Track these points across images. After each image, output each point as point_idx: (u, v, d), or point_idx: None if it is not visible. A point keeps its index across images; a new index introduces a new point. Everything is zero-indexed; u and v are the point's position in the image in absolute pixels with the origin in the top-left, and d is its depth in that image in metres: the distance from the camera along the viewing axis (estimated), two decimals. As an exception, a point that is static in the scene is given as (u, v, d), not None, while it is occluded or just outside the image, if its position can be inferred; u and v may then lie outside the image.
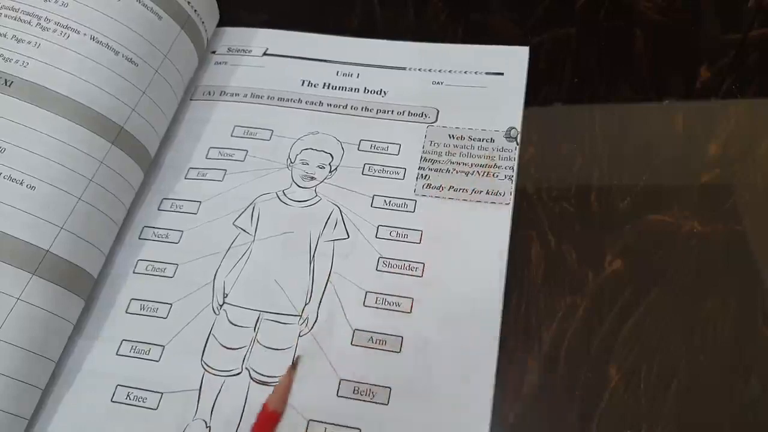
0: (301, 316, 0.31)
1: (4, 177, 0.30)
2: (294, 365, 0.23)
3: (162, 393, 0.29)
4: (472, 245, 0.32)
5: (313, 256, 0.33)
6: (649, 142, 0.36)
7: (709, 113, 0.37)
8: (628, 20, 0.41)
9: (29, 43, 0.32)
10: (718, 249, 0.32)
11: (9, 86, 0.31)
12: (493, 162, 0.35)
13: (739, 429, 0.27)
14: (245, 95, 0.40)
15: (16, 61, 0.32)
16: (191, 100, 0.40)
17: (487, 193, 0.34)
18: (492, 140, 0.36)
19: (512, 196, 0.34)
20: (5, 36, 0.32)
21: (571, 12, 0.42)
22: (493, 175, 0.35)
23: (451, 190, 0.34)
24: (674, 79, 0.38)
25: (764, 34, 0.39)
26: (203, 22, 0.40)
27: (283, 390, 0.23)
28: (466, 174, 0.35)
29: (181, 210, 0.35)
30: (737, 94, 0.37)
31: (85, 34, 0.33)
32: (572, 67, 0.39)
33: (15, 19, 0.33)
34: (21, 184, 0.30)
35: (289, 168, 0.36)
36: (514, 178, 0.34)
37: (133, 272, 0.33)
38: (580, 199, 0.34)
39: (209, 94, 0.40)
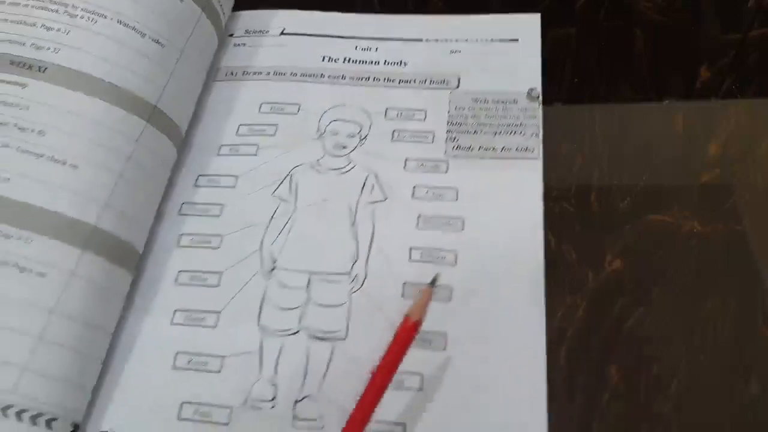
0: (350, 274, 0.30)
1: (47, 158, 0.29)
2: (433, 282, 0.24)
3: (223, 356, 0.29)
4: (507, 199, 0.32)
5: (355, 218, 0.32)
6: (649, 142, 0.34)
7: (709, 113, 0.35)
8: (628, 20, 0.39)
9: (59, 30, 0.31)
10: (718, 249, 0.30)
11: (43, 72, 0.30)
12: (519, 121, 0.34)
13: (739, 429, 0.26)
14: (268, 73, 0.38)
15: (48, 48, 0.31)
16: (214, 81, 0.38)
17: (516, 150, 0.33)
18: (515, 101, 0.35)
19: (541, 152, 0.33)
20: (35, 26, 0.31)
21: (571, 12, 0.40)
22: (520, 133, 0.34)
23: (481, 149, 0.34)
24: (674, 79, 0.37)
25: (764, 34, 0.38)
26: (221, 5, 0.38)
27: (424, 303, 0.24)
28: (494, 134, 0.34)
29: (219, 185, 0.34)
30: (737, 94, 0.36)
31: (111, 18, 0.32)
32: (572, 67, 0.38)
33: (42, 8, 0.32)
34: (64, 164, 0.29)
35: (320, 139, 0.35)
36: (540, 135, 0.33)
37: (178, 246, 0.32)
38: (580, 199, 0.32)
39: (232, 74, 0.38)
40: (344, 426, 0.24)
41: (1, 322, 0.26)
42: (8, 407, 0.25)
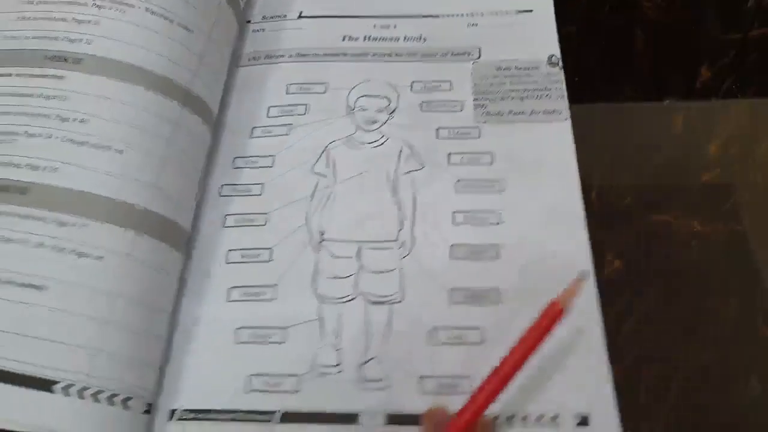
0: (397, 241, 0.30)
1: (91, 145, 0.28)
2: (582, 275, 0.23)
3: (285, 327, 0.28)
4: (542, 159, 0.31)
5: (395, 188, 0.32)
6: (649, 142, 0.33)
7: (709, 113, 0.34)
8: (628, 20, 0.38)
9: (89, 22, 0.31)
10: (718, 249, 0.29)
11: (79, 63, 0.30)
12: (543, 86, 0.34)
13: (739, 429, 0.25)
14: (290, 55, 0.37)
15: (81, 41, 0.30)
16: (237, 67, 0.37)
17: (544, 112, 0.33)
18: (537, 68, 0.35)
19: (568, 113, 0.32)
20: (65, 20, 0.31)
21: (571, 11, 0.38)
22: (547, 96, 0.34)
23: (511, 114, 0.33)
24: (674, 78, 0.35)
25: (764, 34, 0.36)
26: (238, -8, 0.38)
27: (573, 292, 0.23)
28: (521, 99, 0.34)
29: (256, 165, 0.33)
30: (737, 94, 0.34)
31: (139, 7, 0.31)
32: (573, 67, 0.35)
33: (71, 3, 0.31)
34: (109, 149, 0.28)
35: (350, 115, 0.34)
36: (566, 97, 0.33)
37: (223, 227, 0.32)
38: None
39: (254, 59, 0.37)
40: (472, 397, 0.23)
41: (67, 307, 0.26)
42: (85, 389, 0.25)
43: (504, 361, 0.23)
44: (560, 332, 0.26)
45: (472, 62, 0.35)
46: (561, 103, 0.33)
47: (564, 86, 0.34)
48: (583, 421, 0.25)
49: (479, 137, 0.33)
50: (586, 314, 0.27)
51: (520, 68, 0.35)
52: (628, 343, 0.27)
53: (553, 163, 0.31)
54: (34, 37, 0.30)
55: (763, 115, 0.33)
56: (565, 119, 0.33)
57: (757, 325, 0.27)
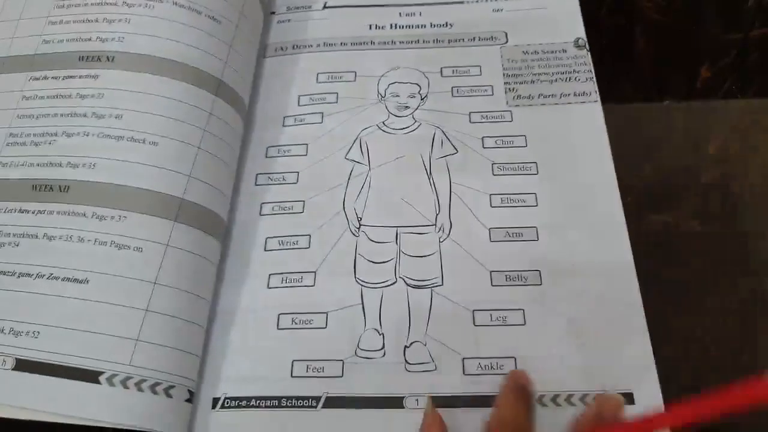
0: (435, 224, 0.29)
1: (127, 140, 0.27)
2: None
3: (327, 312, 0.28)
4: (575, 141, 0.31)
5: (430, 173, 0.31)
6: (649, 142, 0.32)
7: (709, 113, 0.32)
8: (628, 20, 0.36)
9: (119, 21, 0.30)
10: (718, 249, 0.28)
11: (112, 61, 0.29)
12: (571, 69, 0.33)
13: (739, 429, 0.24)
14: (318, 45, 0.36)
15: (112, 39, 0.30)
16: (264, 58, 0.36)
17: (574, 95, 0.32)
18: (564, 51, 0.34)
19: (597, 95, 0.32)
20: (96, 21, 0.30)
21: None
22: (575, 79, 0.33)
23: (541, 97, 0.33)
24: (675, 78, 0.34)
25: (765, 34, 0.35)
26: (263, -19, 0.37)
27: None
28: (550, 82, 0.33)
29: (290, 154, 0.32)
30: (737, 94, 0.33)
31: (167, 1, 0.30)
32: None
33: (100, 4, 0.31)
34: (143, 142, 0.28)
35: (382, 102, 0.33)
36: (594, 79, 0.33)
37: (260, 215, 0.31)
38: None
39: (282, 49, 0.36)
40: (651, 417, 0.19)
41: (109, 299, 0.25)
42: (128, 378, 0.24)
43: (700, 402, 0.18)
44: (604, 314, 0.26)
45: (499, 47, 0.35)
46: (590, 85, 0.33)
47: (592, 68, 0.33)
48: (628, 399, 0.24)
49: (512, 120, 0.32)
50: (630, 295, 0.27)
51: (548, 52, 0.34)
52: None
53: (586, 145, 0.31)
54: (66, 40, 0.30)
55: (763, 115, 0.32)
56: (595, 101, 0.32)
57: (757, 325, 0.27)
